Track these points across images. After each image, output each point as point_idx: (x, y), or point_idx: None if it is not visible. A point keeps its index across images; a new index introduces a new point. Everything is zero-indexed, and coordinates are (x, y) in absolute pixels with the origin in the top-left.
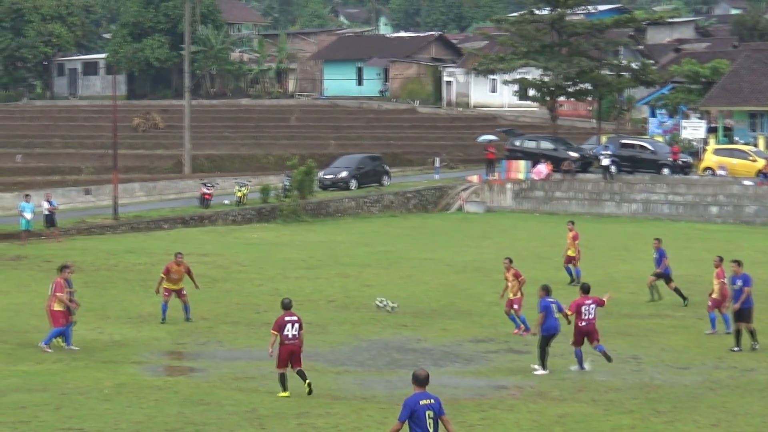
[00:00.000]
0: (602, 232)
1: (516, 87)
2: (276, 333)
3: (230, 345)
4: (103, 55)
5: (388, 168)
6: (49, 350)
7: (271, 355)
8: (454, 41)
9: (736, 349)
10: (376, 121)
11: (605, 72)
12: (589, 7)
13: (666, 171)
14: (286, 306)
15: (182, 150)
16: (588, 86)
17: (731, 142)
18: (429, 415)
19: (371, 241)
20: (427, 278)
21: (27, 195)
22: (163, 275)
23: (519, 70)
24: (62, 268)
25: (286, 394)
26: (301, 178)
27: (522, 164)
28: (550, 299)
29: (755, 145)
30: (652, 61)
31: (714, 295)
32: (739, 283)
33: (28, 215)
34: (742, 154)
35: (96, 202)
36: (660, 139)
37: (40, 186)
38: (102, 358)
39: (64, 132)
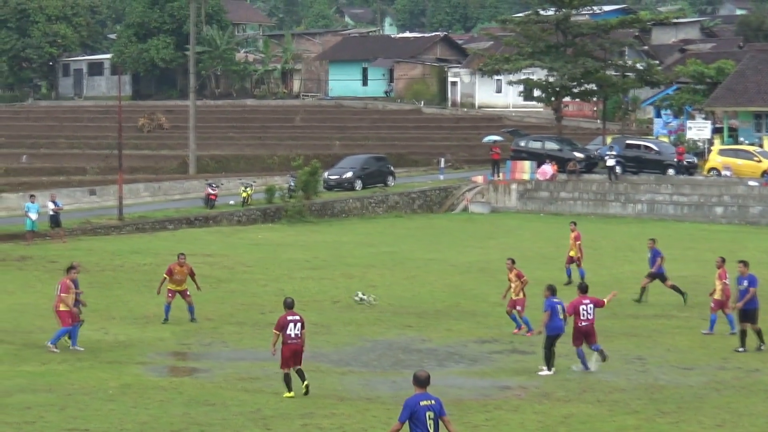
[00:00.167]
0: (607, 232)
1: (521, 87)
2: (278, 332)
3: (235, 345)
4: (108, 56)
5: (392, 168)
6: (56, 350)
7: (273, 354)
8: (459, 42)
9: (741, 349)
10: (381, 122)
11: (610, 72)
12: (595, 7)
13: (671, 171)
14: (289, 305)
15: (187, 150)
16: (593, 87)
17: (736, 142)
18: (429, 416)
19: (376, 242)
20: (431, 279)
21: (32, 195)
22: (165, 276)
23: (524, 71)
24: (69, 269)
25: (291, 394)
26: (306, 178)
27: (527, 165)
28: (555, 299)
29: (760, 146)
30: (657, 62)
31: (716, 296)
32: (745, 283)
33: (33, 216)
34: (747, 155)
35: (101, 203)
36: (665, 139)
37: (45, 186)
38: (107, 359)
39: (69, 132)
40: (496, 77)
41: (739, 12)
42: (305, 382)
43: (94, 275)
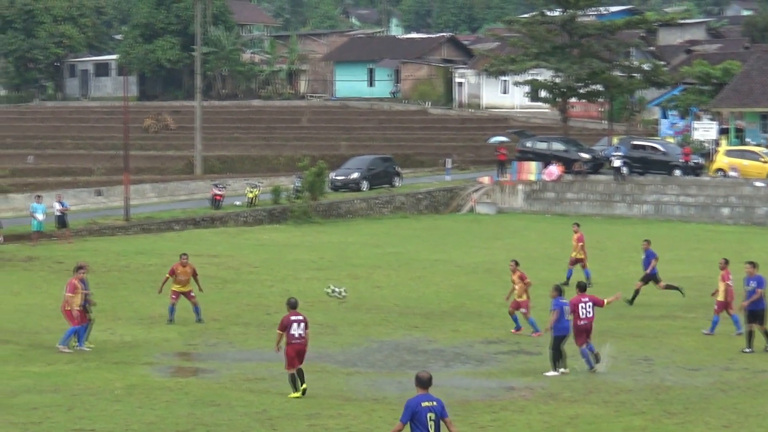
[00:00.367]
0: (613, 233)
1: (527, 88)
2: (281, 332)
3: (241, 346)
4: (114, 57)
5: (399, 169)
6: (68, 350)
7: (277, 351)
8: (465, 42)
9: (747, 350)
10: (387, 123)
11: (616, 73)
12: (601, 8)
13: (677, 172)
14: (293, 305)
15: (193, 151)
16: (599, 87)
17: (742, 143)
18: (430, 417)
19: (382, 243)
20: (437, 279)
21: (38, 196)
22: (168, 276)
23: (530, 72)
24: (77, 269)
25: (297, 395)
26: (312, 179)
27: (533, 165)
28: (563, 300)
29: (767, 147)
30: (663, 63)
31: (719, 298)
32: (753, 284)
33: (40, 216)
34: (754, 156)
35: (107, 203)
36: (671, 140)
37: (51, 187)
38: (113, 359)
39: (75, 133)
40: (502, 78)
41: (745, 13)
42: (303, 386)
43: (100, 276)
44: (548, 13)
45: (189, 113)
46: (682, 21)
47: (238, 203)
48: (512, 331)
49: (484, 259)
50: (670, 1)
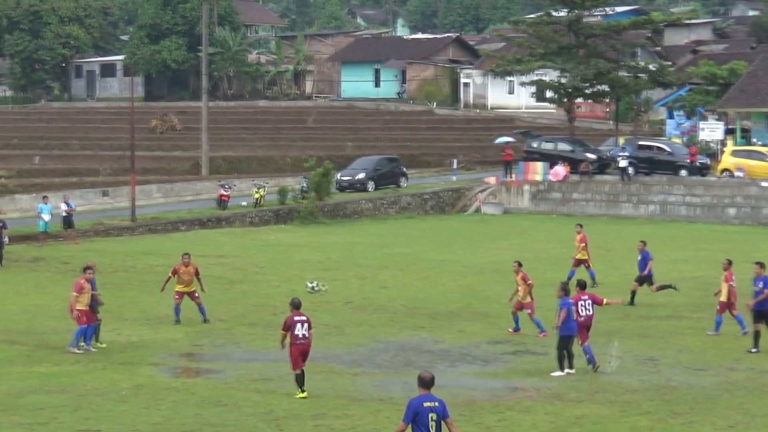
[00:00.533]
0: (619, 233)
1: (533, 88)
2: (285, 333)
3: (247, 346)
4: (120, 57)
5: (405, 169)
6: (78, 351)
7: (282, 348)
8: (472, 43)
9: (753, 350)
10: (393, 123)
11: (622, 73)
12: (607, 8)
13: (683, 172)
14: (296, 306)
15: (199, 152)
16: (605, 88)
17: (749, 143)
18: (432, 417)
19: (388, 243)
20: (444, 280)
21: (45, 197)
22: (170, 275)
23: (536, 72)
24: (84, 269)
25: (304, 395)
26: (319, 179)
27: (539, 166)
28: (570, 299)
29: None
30: (669, 63)
31: (722, 298)
32: (761, 284)
33: (46, 217)
34: (760, 156)
35: (113, 204)
36: (677, 140)
37: (57, 188)
38: (119, 360)
39: (81, 134)
40: (508, 78)
41: (751, 13)
42: (303, 393)
43: (107, 276)
44: (554, 13)
45: (195, 114)
46: (688, 21)
47: (244, 204)
48: (509, 330)
49: (491, 259)
50: (676, 2)
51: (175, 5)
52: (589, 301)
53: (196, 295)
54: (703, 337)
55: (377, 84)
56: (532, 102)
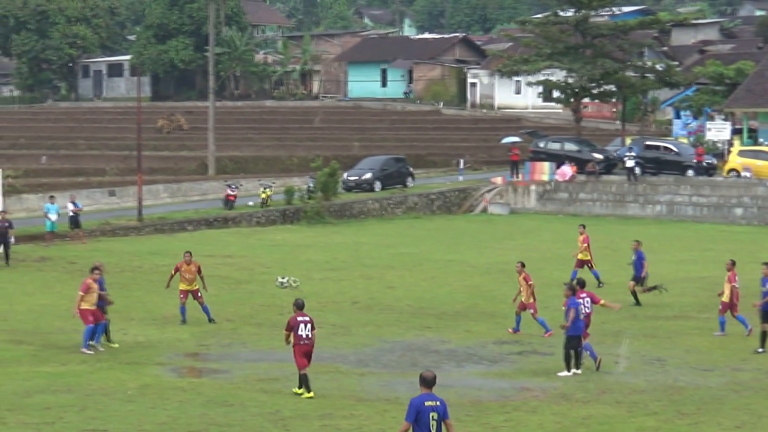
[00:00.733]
0: (626, 233)
1: (540, 88)
2: (288, 333)
3: (254, 346)
4: (127, 57)
5: (411, 170)
6: (90, 352)
7: (287, 344)
8: (479, 43)
9: (760, 350)
10: (400, 123)
11: (629, 73)
12: (614, 8)
13: (690, 172)
14: (300, 306)
15: (206, 151)
16: (612, 88)
17: (756, 143)
18: (433, 416)
19: (395, 243)
20: (450, 280)
21: (52, 196)
22: (173, 272)
23: (543, 72)
24: (92, 269)
25: (310, 395)
26: (325, 179)
27: (546, 166)
28: (578, 299)
29: None
30: (676, 63)
31: (724, 299)
32: None
33: (53, 217)
34: (767, 156)
35: (120, 204)
36: (684, 140)
37: (64, 187)
38: (126, 360)
39: (88, 133)
40: (515, 78)
41: (758, 13)
42: (301, 390)
43: (113, 276)
44: (561, 13)
45: (202, 114)
46: (695, 21)
47: (251, 204)
48: (509, 330)
49: (497, 259)
50: (683, 2)
51: (182, 5)
52: (588, 300)
53: (199, 294)
54: (710, 338)
55: (384, 84)
56: (539, 102)
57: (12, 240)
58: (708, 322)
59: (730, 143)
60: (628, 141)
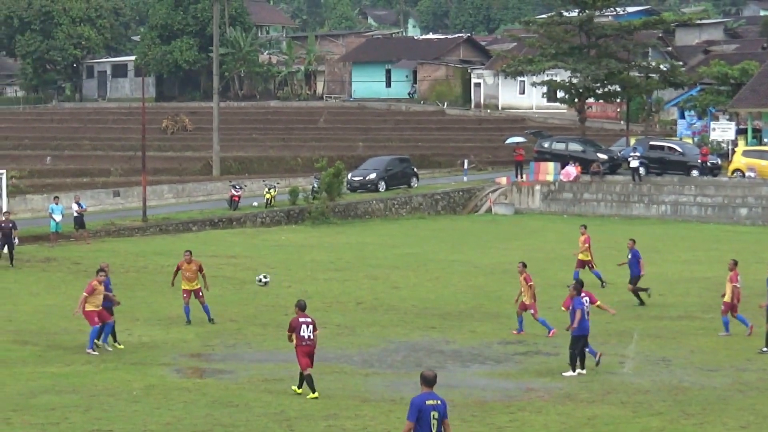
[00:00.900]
0: (631, 234)
1: (544, 89)
2: (290, 334)
3: (259, 347)
4: (132, 58)
5: (416, 170)
6: (95, 353)
7: (290, 341)
8: (483, 43)
9: (765, 350)
10: (404, 123)
11: (634, 74)
12: (618, 8)
13: (695, 173)
14: (302, 307)
15: (211, 152)
16: (616, 88)
17: (760, 143)
18: (434, 416)
19: (399, 243)
20: (455, 280)
21: (56, 197)
22: (176, 270)
23: (547, 72)
24: (98, 271)
25: (315, 395)
26: (330, 179)
27: (551, 166)
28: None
29: None
30: (680, 63)
31: (726, 299)
32: None
33: (58, 217)
34: None
35: (125, 204)
36: (689, 140)
37: (69, 188)
38: (131, 360)
39: (93, 134)
40: (519, 78)
41: (763, 13)
42: (300, 390)
43: (118, 276)
44: (566, 13)
45: (206, 114)
46: (700, 21)
47: (255, 204)
48: (512, 332)
49: (502, 259)
50: (688, 2)
51: (186, 6)
52: (587, 299)
53: (200, 293)
54: (715, 338)
55: (388, 84)
56: (544, 102)
57: (15, 241)
58: (712, 323)
59: (735, 143)
60: (632, 141)
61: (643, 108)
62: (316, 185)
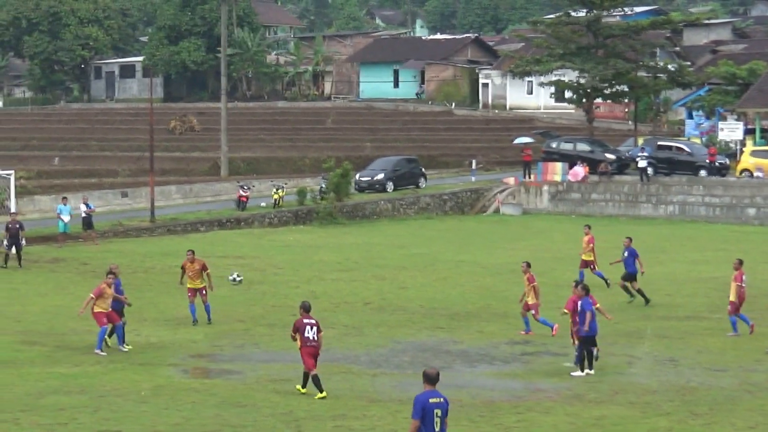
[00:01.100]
0: (638, 234)
1: (552, 89)
2: (294, 335)
3: (267, 347)
4: (139, 58)
5: (424, 170)
6: (103, 353)
7: (293, 341)
8: (490, 43)
9: None
10: (412, 124)
11: (641, 74)
12: (626, 8)
13: (703, 173)
14: (306, 309)
15: (219, 152)
16: (624, 88)
17: None
18: (437, 413)
19: (407, 243)
20: (463, 280)
21: (64, 198)
22: (181, 270)
23: (555, 72)
24: (108, 273)
25: (323, 395)
26: (338, 180)
27: (558, 166)
28: (590, 300)
29: None
30: (688, 63)
31: (731, 298)
32: None
33: (66, 218)
34: None
35: (132, 205)
36: (697, 140)
37: (77, 189)
38: (139, 361)
39: (100, 135)
40: (527, 79)
41: None
42: (304, 389)
43: (126, 277)
44: (573, 13)
45: (214, 115)
46: (708, 21)
47: (263, 204)
48: (520, 332)
49: (510, 260)
50: (696, 2)
51: (194, 6)
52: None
53: (204, 292)
54: (723, 338)
55: (396, 85)
56: (551, 102)
57: (23, 242)
58: (720, 323)
59: (743, 143)
60: (640, 141)
61: (651, 108)
62: (323, 185)
